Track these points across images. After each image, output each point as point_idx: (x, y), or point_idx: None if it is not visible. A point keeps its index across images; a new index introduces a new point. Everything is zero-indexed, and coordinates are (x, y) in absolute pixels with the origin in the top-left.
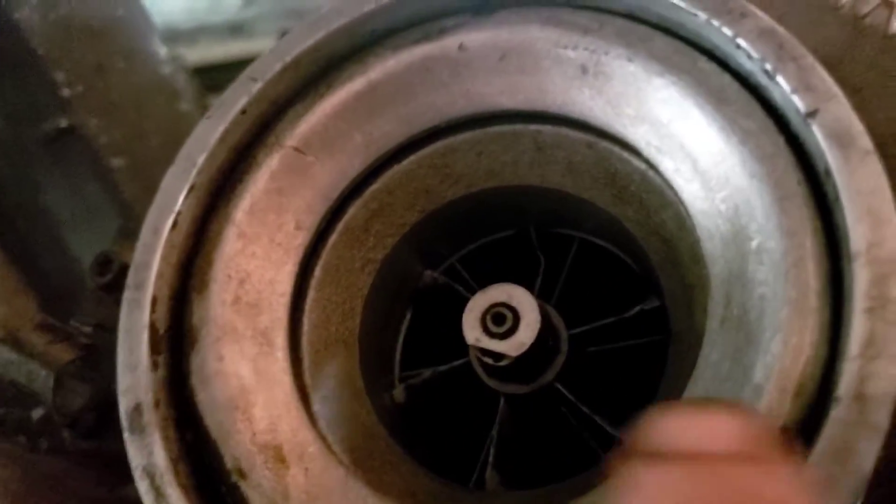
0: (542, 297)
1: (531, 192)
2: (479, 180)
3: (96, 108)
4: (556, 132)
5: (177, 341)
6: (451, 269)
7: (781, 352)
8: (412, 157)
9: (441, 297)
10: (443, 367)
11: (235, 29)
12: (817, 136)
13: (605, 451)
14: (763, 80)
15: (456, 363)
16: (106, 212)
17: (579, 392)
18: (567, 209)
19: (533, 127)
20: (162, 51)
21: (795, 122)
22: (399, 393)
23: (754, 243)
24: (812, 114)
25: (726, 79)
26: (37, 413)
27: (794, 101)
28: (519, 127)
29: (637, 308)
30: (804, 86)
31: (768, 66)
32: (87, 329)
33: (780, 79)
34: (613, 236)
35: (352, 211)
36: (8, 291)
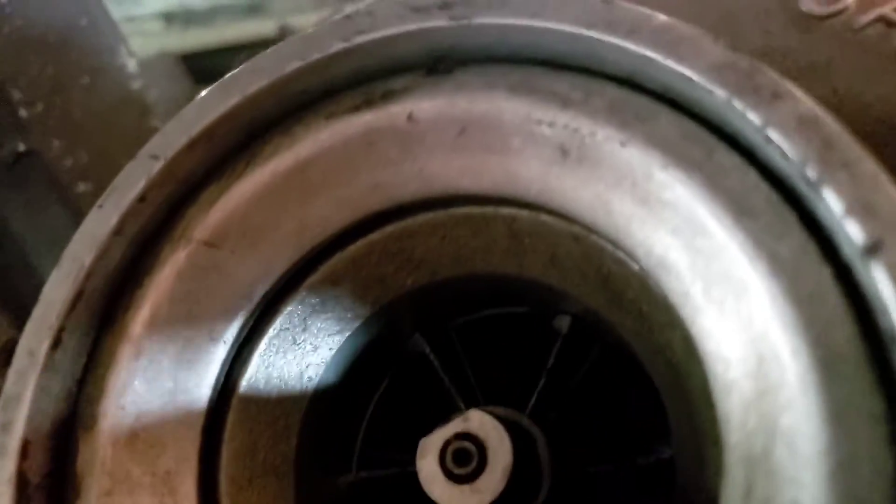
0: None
1: (509, 282)
2: (445, 267)
3: (58, 128)
4: (535, 219)
5: (59, 492)
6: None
7: None
8: (360, 243)
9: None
10: None
11: (254, 8)
12: (877, 284)
13: None
14: (803, 187)
15: None
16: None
17: None
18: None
19: (505, 211)
20: (131, 63)
21: (848, 253)
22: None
23: (784, 421)
24: (872, 249)
25: (752, 178)
26: None
27: (845, 227)
28: (489, 210)
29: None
30: (861, 206)
31: (810, 173)
32: None
33: (826, 192)
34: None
35: (285, 309)
36: None
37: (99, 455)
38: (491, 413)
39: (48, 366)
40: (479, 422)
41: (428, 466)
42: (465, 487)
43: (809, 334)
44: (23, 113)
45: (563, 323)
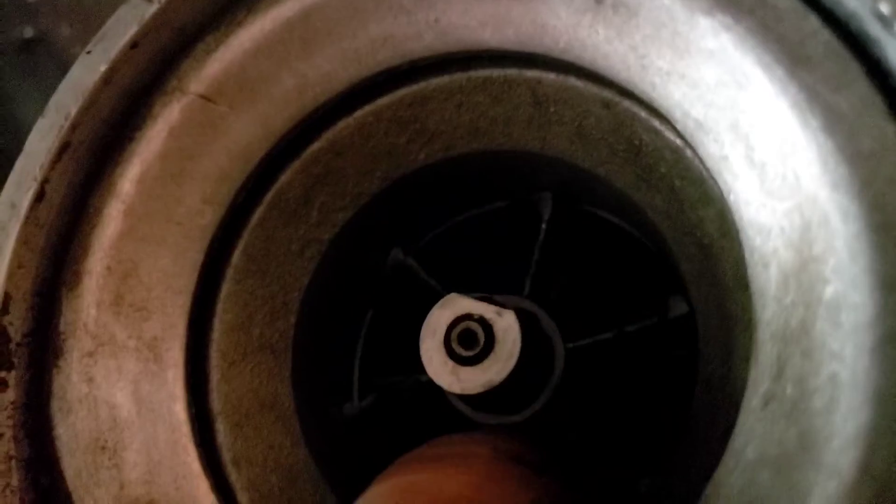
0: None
1: (530, 161)
2: (461, 140)
3: (67, 14)
4: (562, 83)
5: (41, 352)
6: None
7: (856, 478)
8: (367, 108)
9: (411, 287)
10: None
11: None
12: None
13: None
14: (873, 29)
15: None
16: None
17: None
18: (578, 186)
19: (530, 74)
20: None
21: None
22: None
23: (829, 290)
24: None
25: (812, 24)
26: None
27: None
28: (511, 72)
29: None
30: None
31: (884, 7)
32: None
33: None
34: (636, 226)
35: (285, 178)
36: None
37: (82, 315)
38: (500, 305)
39: (31, 219)
40: (506, 324)
41: (437, 318)
42: (451, 364)
43: (864, 197)
44: None
45: (546, 203)
